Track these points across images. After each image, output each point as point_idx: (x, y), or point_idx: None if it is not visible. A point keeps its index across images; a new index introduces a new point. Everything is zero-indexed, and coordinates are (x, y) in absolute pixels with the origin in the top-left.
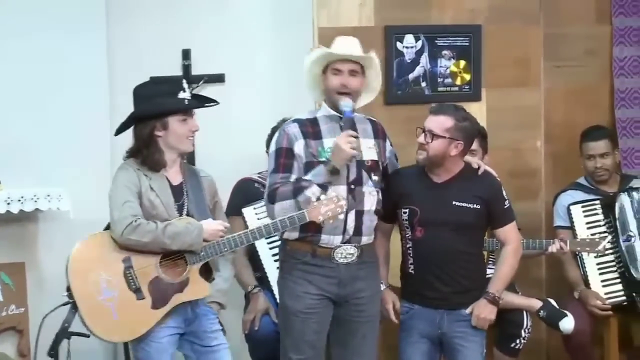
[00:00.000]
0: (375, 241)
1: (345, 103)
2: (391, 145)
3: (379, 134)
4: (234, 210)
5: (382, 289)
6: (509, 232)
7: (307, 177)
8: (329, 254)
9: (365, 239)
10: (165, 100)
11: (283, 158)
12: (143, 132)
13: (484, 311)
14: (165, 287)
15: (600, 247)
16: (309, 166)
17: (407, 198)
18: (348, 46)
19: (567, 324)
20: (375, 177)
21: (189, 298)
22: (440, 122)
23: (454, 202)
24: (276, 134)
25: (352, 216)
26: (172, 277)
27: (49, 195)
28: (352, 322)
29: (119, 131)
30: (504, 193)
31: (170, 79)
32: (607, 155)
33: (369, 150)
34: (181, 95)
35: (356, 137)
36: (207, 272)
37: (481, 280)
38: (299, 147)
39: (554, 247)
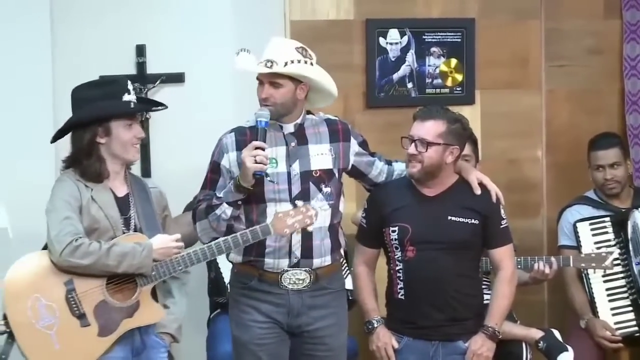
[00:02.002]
0: (357, 270)
1: (260, 112)
2: (362, 143)
3: (338, 136)
4: None
5: (375, 325)
6: (504, 256)
7: (220, 194)
8: (277, 280)
9: (318, 262)
10: (108, 103)
11: (210, 172)
12: (83, 139)
13: (482, 347)
14: (112, 312)
15: (607, 263)
16: None
17: (396, 215)
18: (268, 52)
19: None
20: (326, 189)
21: (141, 324)
22: (431, 128)
23: (449, 218)
24: None
25: (297, 236)
26: (121, 301)
27: None
28: (313, 356)
29: (56, 138)
30: (503, 212)
31: (113, 79)
32: (617, 165)
33: (319, 158)
34: (126, 97)
35: (263, 149)
36: (154, 294)
37: (478, 307)
38: (228, 160)
39: (541, 264)
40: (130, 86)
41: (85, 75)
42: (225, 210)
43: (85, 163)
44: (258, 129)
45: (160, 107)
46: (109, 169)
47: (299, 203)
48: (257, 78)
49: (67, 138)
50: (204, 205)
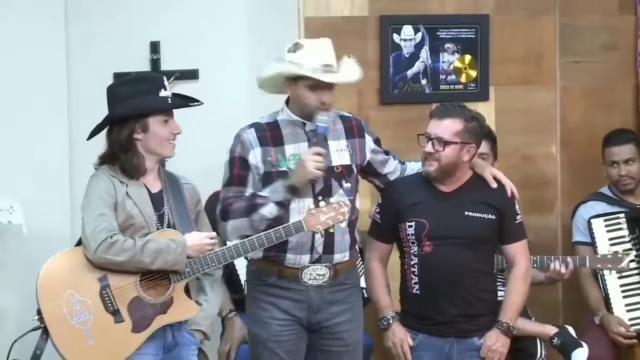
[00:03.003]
0: (370, 265)
1: (322, 118)
2: (376, 141)
3: (354, 132)
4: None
5: (390, 321)
6: (519, 251)
7: (264, 193)
8: (297, 275)
9: (339, 257)
10: (146, 99)
11: (236, 168)
12: (120, 135)
13: (496, 343)
14: (146, 308)
15: (623, 264)
16: (267, 177)
17: (413, 210)
18: (325, 56)
19: (580, 356)
20: (347, 185)
21: (174, 320)
22: (448, 127)
23: (466, 213)
24: (232, 141)
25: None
26: (154, 297)
27: None
28: (330, 352)
29: (92, 135)
30: (517, 207)
31: (148, 75)
32: (632, 161)
33: (339, 154)
34: (162, 93)
35: (324, 155)
36: (187, 291)
37: (493, 303)
38: (254, 157)
39: (557, 264)
40: (166, 82)
41: (99, 72)
42: (272, 210)
43: (123, 158)
44: (318, 134)
45: (195, 103)
46: (145, 165)
47: (333, 199)
48: (317, 82)
49: (78, 133)
50: (242, 204)
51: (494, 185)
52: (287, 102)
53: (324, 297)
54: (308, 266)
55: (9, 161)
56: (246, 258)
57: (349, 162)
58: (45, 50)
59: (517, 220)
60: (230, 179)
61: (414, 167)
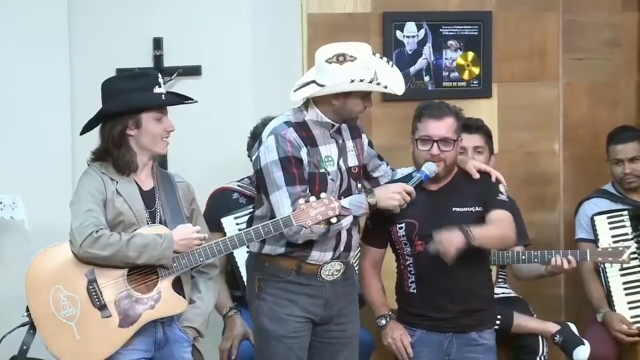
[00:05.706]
0: (364, 270)
1: (432, 169)
2: (369, 144)
3: (355, 132)
4: (210, 225)
5: (387, 319)
6: (497, 219)
7: (345, 204)
8: (316, 272)
9: (353, 254)
10: (139, 95)
11: (294, 168)
12: (113, 130)
13: (450, 235)
14: (134, 303)
15: (624, 257)
16: (310, 178)
17: (402, 211)
18: (396, 77)
19: (582, 353)
20: (359, 185)
21: (161, 315)
22: (450, 125)
23: (453, 209)
24: (270, 141)
25: (344, 233)
26: (142, 292)
27: (0, 203)
28: (334, 344)
29: (85, 130)
30: (503, 189)
31: (144, 71)
32: (637, 159)
33: (352, 154)
34: (157, 90)
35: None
36: (179, 288)
37: (489, 298)
38: (304, 156)
39: (558, 259)
40: (160, 79)
41: (102, 68)
42: (348, 222)
43: (115, 154)
44: (422, 179)
45: (189, 101)
46: (137, 161)
47: (323, 195)
48: (365, 96)
49: (81, 129)
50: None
51: (477, 176)
52: (309, 101)
53: (337, 293)
54: (328, 262)
55: (12, 156)
56: (248, 252)
57: (359, 163)
58: (48, 45)
59: (499, 197)
60: (292, 179)
61: (404, 172)
